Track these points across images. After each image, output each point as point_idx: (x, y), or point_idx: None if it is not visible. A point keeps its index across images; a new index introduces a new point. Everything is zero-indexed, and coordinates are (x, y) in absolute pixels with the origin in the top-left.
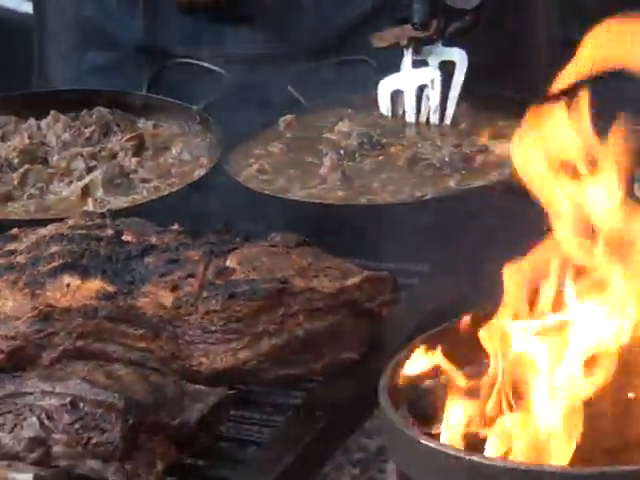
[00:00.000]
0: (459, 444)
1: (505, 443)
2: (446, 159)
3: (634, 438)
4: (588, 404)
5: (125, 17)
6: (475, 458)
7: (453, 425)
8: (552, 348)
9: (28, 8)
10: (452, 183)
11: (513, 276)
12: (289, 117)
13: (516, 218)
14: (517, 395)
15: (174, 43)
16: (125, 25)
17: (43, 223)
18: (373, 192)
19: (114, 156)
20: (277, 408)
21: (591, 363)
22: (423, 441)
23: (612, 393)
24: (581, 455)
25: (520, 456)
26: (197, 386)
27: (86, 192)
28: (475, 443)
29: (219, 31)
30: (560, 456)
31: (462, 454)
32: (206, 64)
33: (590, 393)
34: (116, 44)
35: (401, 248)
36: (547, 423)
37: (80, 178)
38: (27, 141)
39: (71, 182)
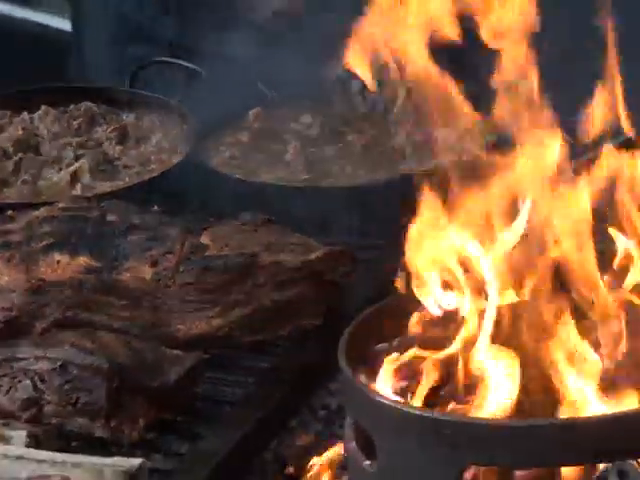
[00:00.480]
0: (407, 399)
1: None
2: (398, 146)
3: (558, 396)
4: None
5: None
6: (423, 413)
7: (399, 380)
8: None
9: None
10: (404, 167)
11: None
12: (257, 109)
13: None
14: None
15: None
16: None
17: (35, 206)
18: (333, 176)
19: (100, 145)
20: (248, 370)
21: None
22: (376, 397)
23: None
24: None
25: (461, 410)
26: (175, 351)
27: (74, 178)
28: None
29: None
30: (497, 410)
31: (409, 409)
32: (183, 62)
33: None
34: (153, 39)
35: (358, 225)
36: (486, 381)
37: (69, 165)
38: (20, 132)
39: (61, 169)
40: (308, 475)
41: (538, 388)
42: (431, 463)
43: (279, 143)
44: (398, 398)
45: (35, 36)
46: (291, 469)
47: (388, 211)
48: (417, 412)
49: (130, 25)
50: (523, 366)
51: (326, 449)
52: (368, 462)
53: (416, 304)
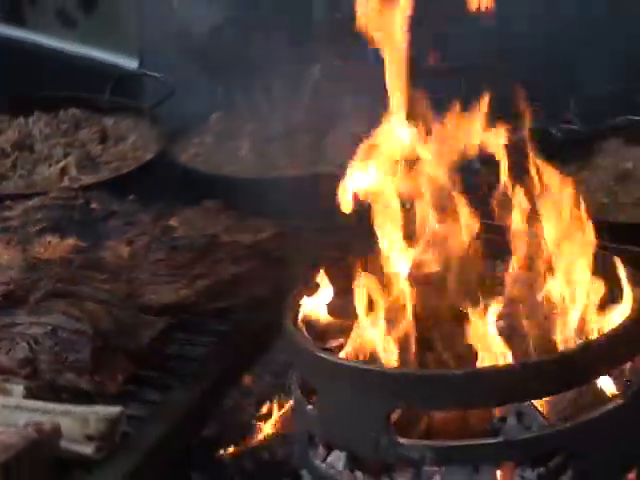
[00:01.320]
0: (337, 353)
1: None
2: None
3: (470, 350)
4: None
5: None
6: (355, 365)
7: (335, 338)
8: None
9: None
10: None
11: None
12: (218, 114)
13: None
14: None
15: None
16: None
17: (30, 196)
18: (280, 169)
19: (84, 145)
20: (210, 333)
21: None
22: (316, 352)
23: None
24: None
25: (382, 360)
26: (148, 317)
27: (63, 172)
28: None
29: None
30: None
31: (342, 361)
32: (154, 74)
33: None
34: None
35: (302, 210)
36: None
37: (58, 162)
38: (17, 134)
39: (51, 165)
40: (262, 418)
41: (453, 344)
42: (362, 408)
43: (236, 142)
44: (334, 353)
45: (30, 52)
46: (248, 414)
47: (327, 199)
48: (350, 364)
49: None
50: (443, 325)
51: (277, 397)
52: (310, 406)
53: (349, 275)
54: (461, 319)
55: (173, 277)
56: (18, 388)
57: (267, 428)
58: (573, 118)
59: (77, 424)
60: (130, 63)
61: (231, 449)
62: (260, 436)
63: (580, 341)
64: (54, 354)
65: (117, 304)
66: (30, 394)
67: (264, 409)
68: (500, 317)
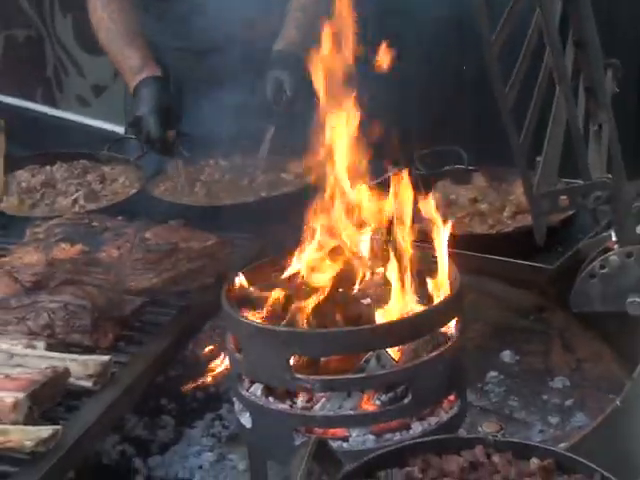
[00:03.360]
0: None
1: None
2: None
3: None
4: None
5: None
6: (265, 326)
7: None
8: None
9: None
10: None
11: None
12: (180, 162)
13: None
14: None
15: None
16: None
17: (52, 218)
18: (220, 200)
19: (90, 184)
20: (172, 307)
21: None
22: (239, 318)
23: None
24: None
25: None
26: (129, 296)
27: (75, 202)
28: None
29: None
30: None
31: (257, 324)
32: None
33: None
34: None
35: (238, 226)
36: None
37: (71, 195)
38: (44, 177)
39: (67, 197)
40: (209, 363)
41: (343, 313)
42: (272, 355)
43: (194, 180)
44: (252, 319)
45: (57, 123)
46: (200, 360)
47: (258, 218)
48: (261, 326)
49: None
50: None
51: (219, 348)
52: (238, 354)
53: (271, 268)
54: (346, 299)
55: (147, 270)
56: (41, 344)
57: (213, 370)
58: (419, 166)
59: (81, 367)
60: (121, 130)
61: (189, 385)
62: (209, 375)
63: (411, 312)
64: (65, 321)
65: (109, 288)
66: (49, 348)
67: (211, 357)
68: (365, 297)
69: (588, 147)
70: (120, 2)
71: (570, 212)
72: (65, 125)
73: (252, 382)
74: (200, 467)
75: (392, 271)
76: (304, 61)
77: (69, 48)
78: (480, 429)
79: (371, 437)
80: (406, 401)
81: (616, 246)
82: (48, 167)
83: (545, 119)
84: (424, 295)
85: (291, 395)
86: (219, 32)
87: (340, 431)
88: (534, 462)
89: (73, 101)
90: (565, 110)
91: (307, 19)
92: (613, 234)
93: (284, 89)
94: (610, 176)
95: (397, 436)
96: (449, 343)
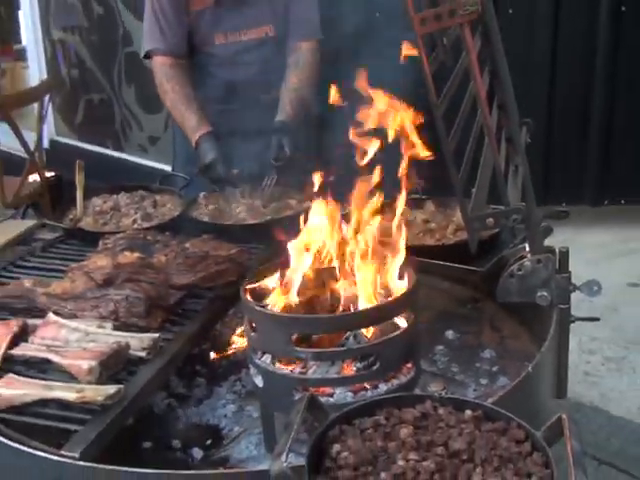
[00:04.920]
0: (266, 306)
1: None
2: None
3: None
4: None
5: None
6: (272, 312)
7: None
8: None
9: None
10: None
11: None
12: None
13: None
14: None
15: None
16: None
17: (117, 233)
18: (244, 220)
19: (145, 209)
20: (204, 297)
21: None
22: (255, 307)
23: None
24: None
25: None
26: (173, 290)
27: (134, 222)
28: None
29: None
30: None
31: (266, 311)
32: (180, 174)
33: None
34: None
35: (255, 239)
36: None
37: (132, 216)
38: (112, 203)
39: (128, 218)
40: (233, 339)
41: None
42: (278, 333)
43: (226, 206)
44: (263, 306)
45: (123, 164)
46: (226, 337)
47: (268, 234)
48: (269, 312)
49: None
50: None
51: (240, 329)
52: (253, 333)
53: (280, 269)
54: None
55: (186, 271)
56: (108, 325)
57: (236, 344)
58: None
59: (137, 342)
60: (169, 169)
61: (217, 355)
62: (231, 348)
63: (379, 303)
64: (126, 308)
65: (158, 284)
66: (114, 328)
67: (234, 335)
68: (345, 292)
69: (507, 182)
70: (179, 77)
71: (495, 230)
72: (128, 165)
73: (263, 353)
74: (225, 415)
75: (364, 273)
76: (297, 130)
77: (132, 108)
78: (429, 388)
79: (350, 394)
80: (375, 367)
81: (529, 255)
82: (115, 195)
83: (477, 161)
84: (388, 290)
85: (291, 363)
86: (247, 97)
87: (327, 390)
88: (468, 413)
89: (135, 148)
90: (491, 155)
91: (298, 99)
92: (527, 246)
93: (285, 150)
94: (524, 203)
95: (369, 393)
96: (407, 325)
